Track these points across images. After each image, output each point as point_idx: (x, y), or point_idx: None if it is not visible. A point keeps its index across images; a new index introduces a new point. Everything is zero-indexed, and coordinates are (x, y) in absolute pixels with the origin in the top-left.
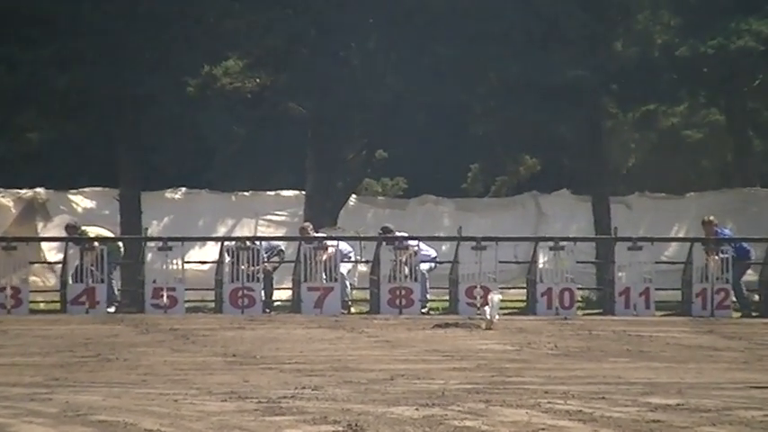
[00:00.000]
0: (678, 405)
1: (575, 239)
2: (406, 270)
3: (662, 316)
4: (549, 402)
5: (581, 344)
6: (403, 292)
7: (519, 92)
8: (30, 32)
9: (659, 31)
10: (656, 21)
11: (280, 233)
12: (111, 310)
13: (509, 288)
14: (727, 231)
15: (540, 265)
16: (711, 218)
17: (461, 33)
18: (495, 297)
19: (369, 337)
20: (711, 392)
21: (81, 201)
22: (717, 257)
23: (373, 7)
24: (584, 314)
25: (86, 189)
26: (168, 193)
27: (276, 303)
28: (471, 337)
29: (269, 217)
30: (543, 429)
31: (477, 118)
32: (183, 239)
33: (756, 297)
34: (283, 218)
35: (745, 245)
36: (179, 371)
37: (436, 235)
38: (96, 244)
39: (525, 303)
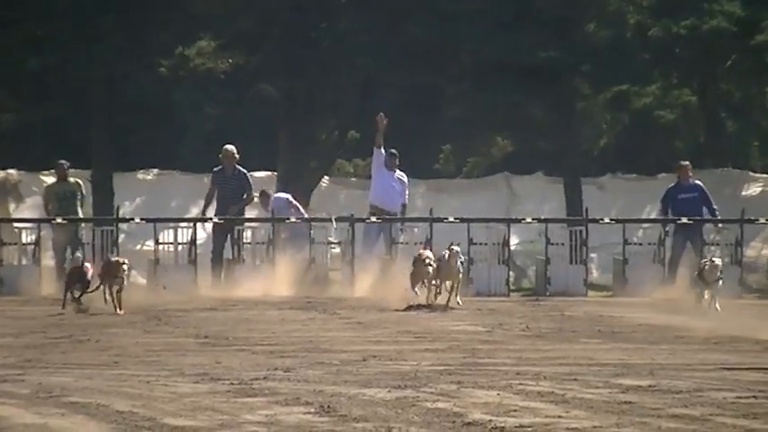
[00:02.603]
0: (650, 386)
1: (546, 221)
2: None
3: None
4: (520, 384)
5: (553, 325)
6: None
7: (491, 73)
8: (1, 14)
9: (632, 12)
10: (628, 1)
11: (252, 214)
12: None
13: None
14: (699, 183)
15: (513, 247)
16: (687, 162)
17: (433, 14)
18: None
19: (341, 319)
20: (683, 374)
21: None
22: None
23: None
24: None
25: None
26: (140, 174)
27: None
28: (443, 319)
29: None
30: (515, 410)
31: (450, 99)
32: (155, 220)
33: None
34: (255, 199)
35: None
36: (151, 352)
37: (408, 216)
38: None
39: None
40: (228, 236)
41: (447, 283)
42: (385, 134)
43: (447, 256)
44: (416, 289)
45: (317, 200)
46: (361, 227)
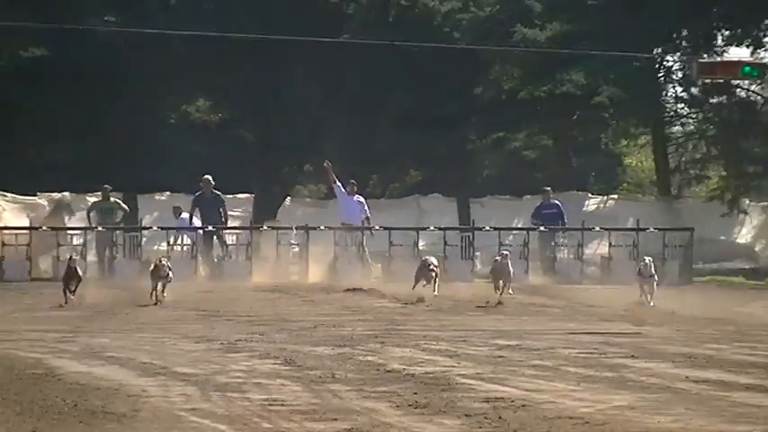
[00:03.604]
0: (517, 345)
1: (445, 229)
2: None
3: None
4: (425, 344)
5: (449, 303)
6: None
7: (408, 121)
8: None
9: (506, 80)
10: (503, 72)
11: (237, 224)
12: None
13: None
14: (557, 202)
15: (421, 247)
16: (549, 188)
17: (367, 75)
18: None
19: (299, 298)
20: (542, 336)
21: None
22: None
23: (296, 51)
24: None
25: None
26: (156, 196)
27: None
28: (370, 298)
29: (230, 213)
30: (422, 362)
31: (377, 139)
32: (167, 228)
33: None
34: (238, 213)
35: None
36: (165, 322)
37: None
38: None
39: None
40: (215, 238)
41: (500, 281)
42: (334, 172)
43: (501, 258)
44: (415, 286)
45: (281, 214)
46: (314, 234)
